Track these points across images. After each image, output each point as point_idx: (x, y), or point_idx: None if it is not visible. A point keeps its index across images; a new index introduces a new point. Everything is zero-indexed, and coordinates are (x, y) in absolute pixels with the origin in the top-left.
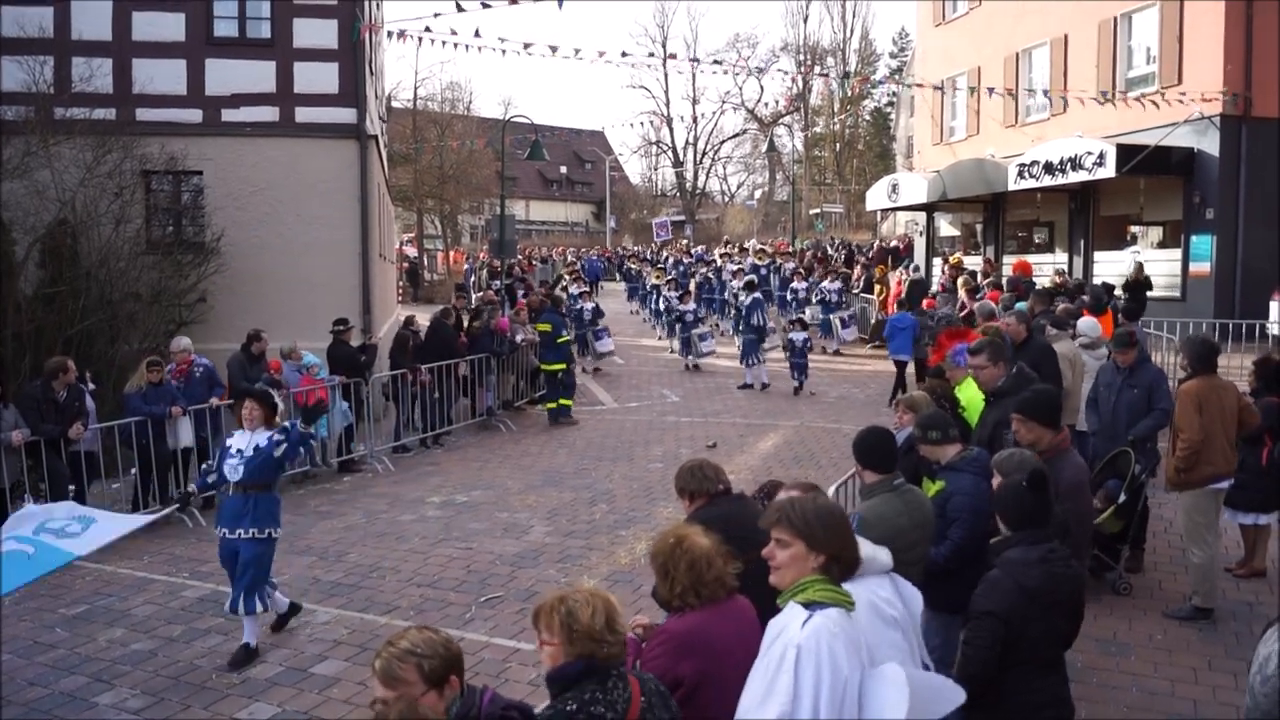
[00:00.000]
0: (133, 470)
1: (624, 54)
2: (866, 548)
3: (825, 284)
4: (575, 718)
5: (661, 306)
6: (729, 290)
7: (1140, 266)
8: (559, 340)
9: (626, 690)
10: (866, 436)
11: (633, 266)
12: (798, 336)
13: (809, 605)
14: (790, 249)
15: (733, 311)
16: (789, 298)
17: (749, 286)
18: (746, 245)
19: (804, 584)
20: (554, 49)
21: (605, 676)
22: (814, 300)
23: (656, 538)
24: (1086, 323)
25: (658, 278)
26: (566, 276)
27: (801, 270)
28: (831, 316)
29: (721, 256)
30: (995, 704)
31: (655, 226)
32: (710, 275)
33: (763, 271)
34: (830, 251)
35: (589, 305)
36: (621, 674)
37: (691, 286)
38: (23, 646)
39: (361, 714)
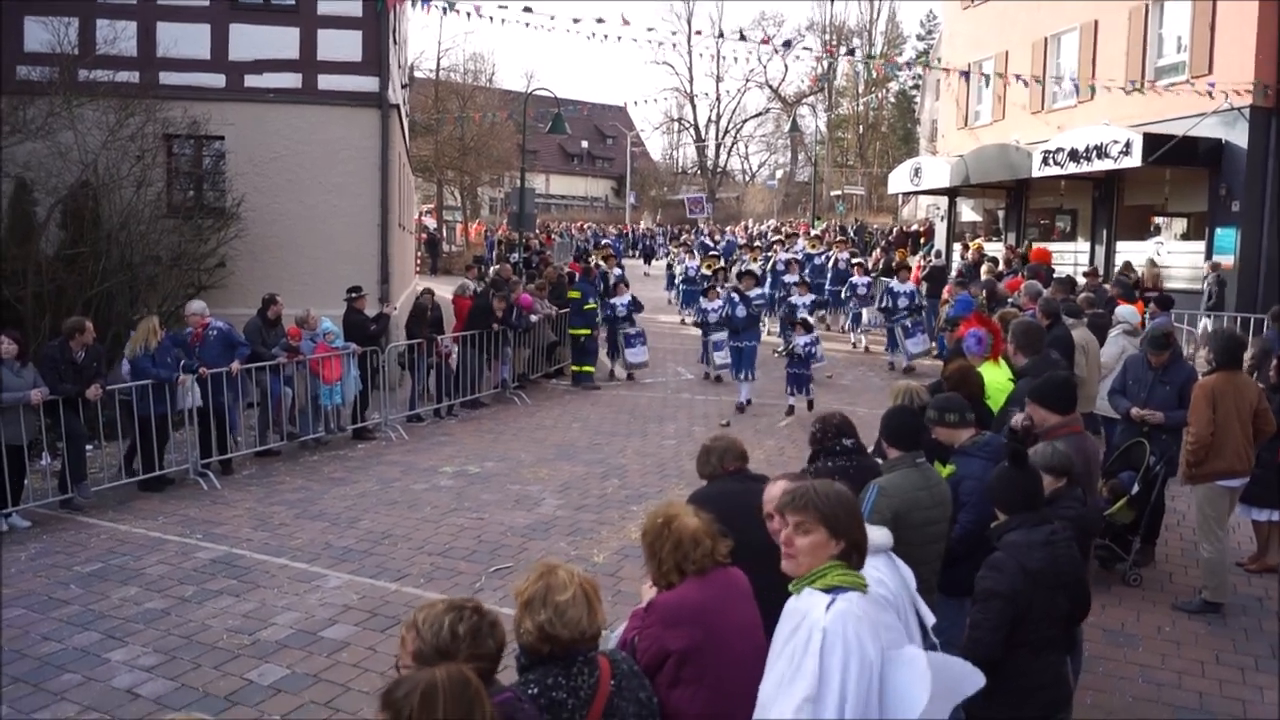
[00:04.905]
0: (127, 441)
1: (650, 29)
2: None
3: (895, 284)
4: (536, 702)
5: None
6: (780, 284)
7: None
8: (585, 307)
9: (593, 675)
10: (895, 415)
11: (673, 250)
12: (800, 341)
13: (829, 590)
14: (812, 230)
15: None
16: (844, 294)
17: (746, 277)
18: (788, 229)
19: (822, 570)
20: (577, 21)
21: (570, 661)
22: (880, 305)
23: (647, 517)
24: (1125, 310)
25: (708, 267)
26: (603, 263)
27: (863, 263)
28: (894, 325)
29: (774, 243)
30: (996, 685)
31: (689, 202)
32: (754, 265)
33: (817, 261)
34: (850, 233)
35: (623, 300)
36: (590, 658)
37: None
38: (37, 602)
39: (370, 679)
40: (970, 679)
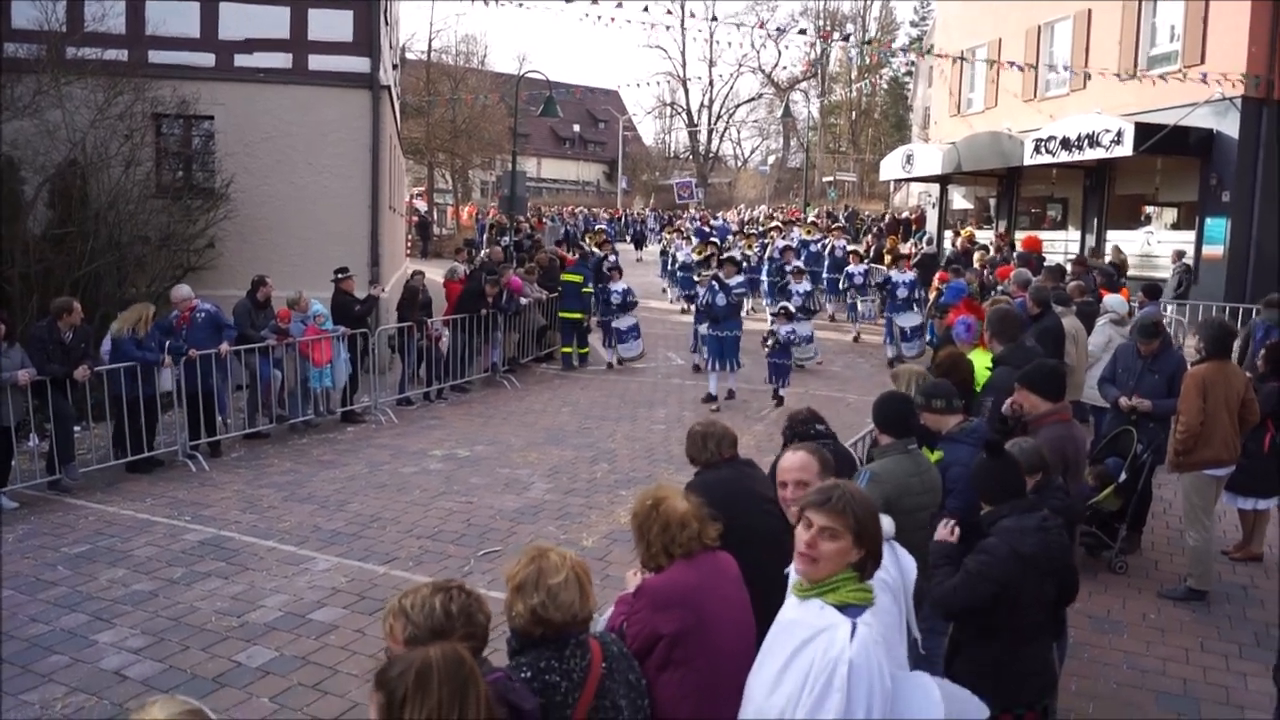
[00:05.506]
0: (111, 421)
1: (645, 9)
2: None
3: (895, 274)
4: (529, 685)
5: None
6: (775, 268)
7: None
8: (583, 291)
9: (585, 658)
10: (887, 402)
11: (667, 236)
12: (782, 330)
13: (844, 608)
14: (802, 216)
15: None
16: (842, 284)
17: (727, 264)
18: (784, 216)
19: (835, 582)
20: (570, 1)
21: (563, 644)
22: (875, 293)
23: (637, 499)
24: (1114, 300)
25: (698, 253)
26: (597, 250)
27: (859, 251)
28: (895, 319)
29: (771, 229)
30: (985, 672)
31: (677, 187)
32: (749, 252)
33: (813, 249)
34: (840, 219)
35: (618, 287)
36: (581, 641)
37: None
38: (25, 583)
39: (358, 662)
40: (971, 709)
